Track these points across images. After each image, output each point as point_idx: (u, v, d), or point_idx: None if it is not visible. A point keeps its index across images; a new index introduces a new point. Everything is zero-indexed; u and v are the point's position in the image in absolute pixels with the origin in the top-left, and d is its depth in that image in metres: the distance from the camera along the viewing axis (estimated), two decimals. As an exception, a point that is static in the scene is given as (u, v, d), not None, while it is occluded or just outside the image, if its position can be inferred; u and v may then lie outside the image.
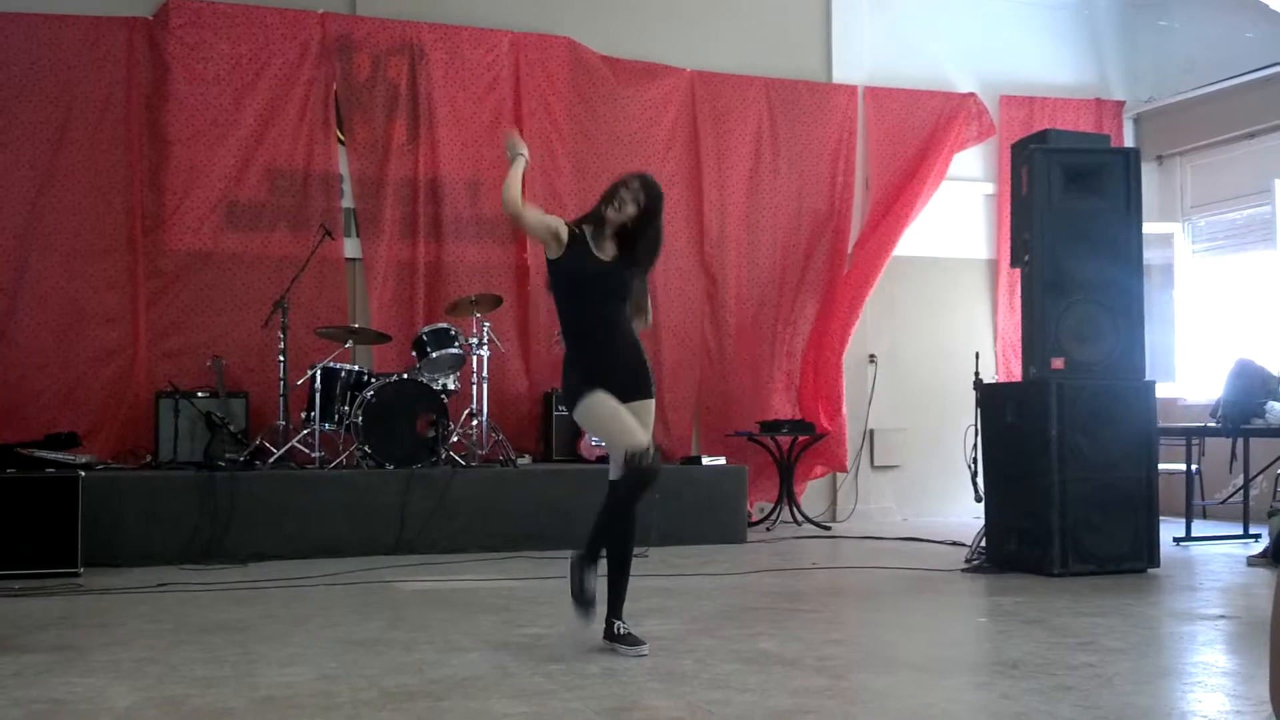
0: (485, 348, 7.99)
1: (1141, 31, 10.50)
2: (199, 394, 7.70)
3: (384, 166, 8.52)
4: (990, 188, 10.17)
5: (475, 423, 7.97)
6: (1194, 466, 8.13)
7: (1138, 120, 10.58)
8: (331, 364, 7.62)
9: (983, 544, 6.69)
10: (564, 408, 4.45)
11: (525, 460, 8.15)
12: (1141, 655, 4.32)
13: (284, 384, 7.70)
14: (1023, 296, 6.74)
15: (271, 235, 8.30)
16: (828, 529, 8.90)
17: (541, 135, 8.75)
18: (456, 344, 7.81)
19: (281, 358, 7.70)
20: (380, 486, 7.22)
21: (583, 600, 4.31)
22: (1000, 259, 9.88)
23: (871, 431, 9.74)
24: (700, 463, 8.20)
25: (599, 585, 4.34)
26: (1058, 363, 6.40)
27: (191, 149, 8.15)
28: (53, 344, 7.85)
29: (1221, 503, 8.34)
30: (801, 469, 9.21)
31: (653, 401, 4.42)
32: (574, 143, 8.96)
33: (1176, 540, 7.67)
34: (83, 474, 6.38)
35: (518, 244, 8.81)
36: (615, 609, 4.36)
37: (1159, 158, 10.29)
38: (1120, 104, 10.47)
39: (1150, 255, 7.21)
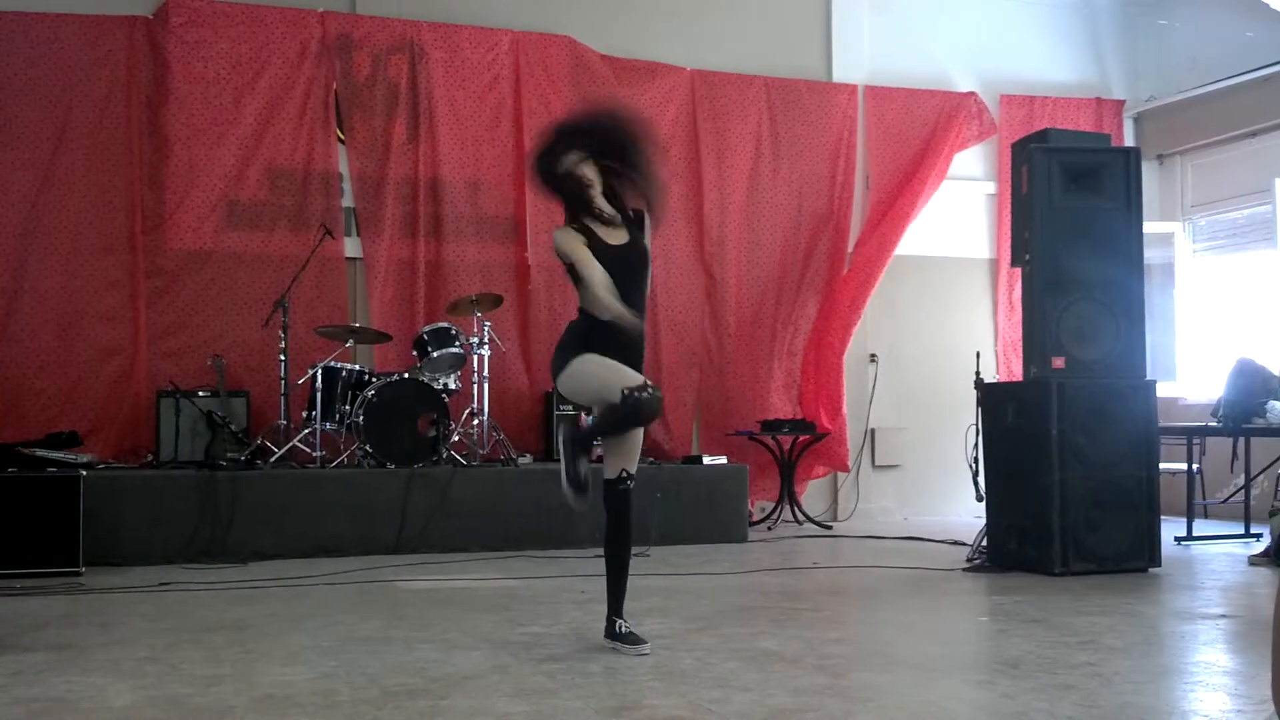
0: (486, 347, 7.99)
1: (1142, 30, 10.50)
2: (200, 393, 7.70)
3: (384, 165, 8.52)
4: (991, 187, 10.16)
5: (476, 422, 7.97)
6: (1195, 466, 8.12)
7: (1138, 119, 10.57)
8: (332, 363, 7.63)
9: (983, 543, 6.69)
10: (552, 375, 4.36)
11: (526, 459, 8.15)
12: (1142, 654, 4.32)
13: (285, 383, 7.70)
14: (1023, 296, 6.74)
15: (272, 234, 8.30)
16: (829, 528, 8.90)
17: (542, 134, 8.74)
18: (457, 343, 7.81)
19: (282, 357, 7.69)
20: (381, 486, 7.22)
21: (577, 485, 4.26)
22: (1001, 258, 9.87)
23: (872, 431, 9.74)
24: (701, 462, 8.20)
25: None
26: (1058, 362, 6.39)
27: (191, 148, 8.15)
28: (53, 343, 7.85)
29: (1222, 502, 8.34)
30: (802, 468, 9.21)
31: None
32: (574, 142, 8.94)
33: (1177, 539, 7.67)
34: (84, 473, 6.38)
35: (518, 243, 8.81)
36: (616, 608, 4.35)
37: (1159, 157, 10.29)
38: (1121, 103, 10.46)
39: (1151, 254, 7.20)
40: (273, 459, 7.46)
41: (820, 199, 9.60)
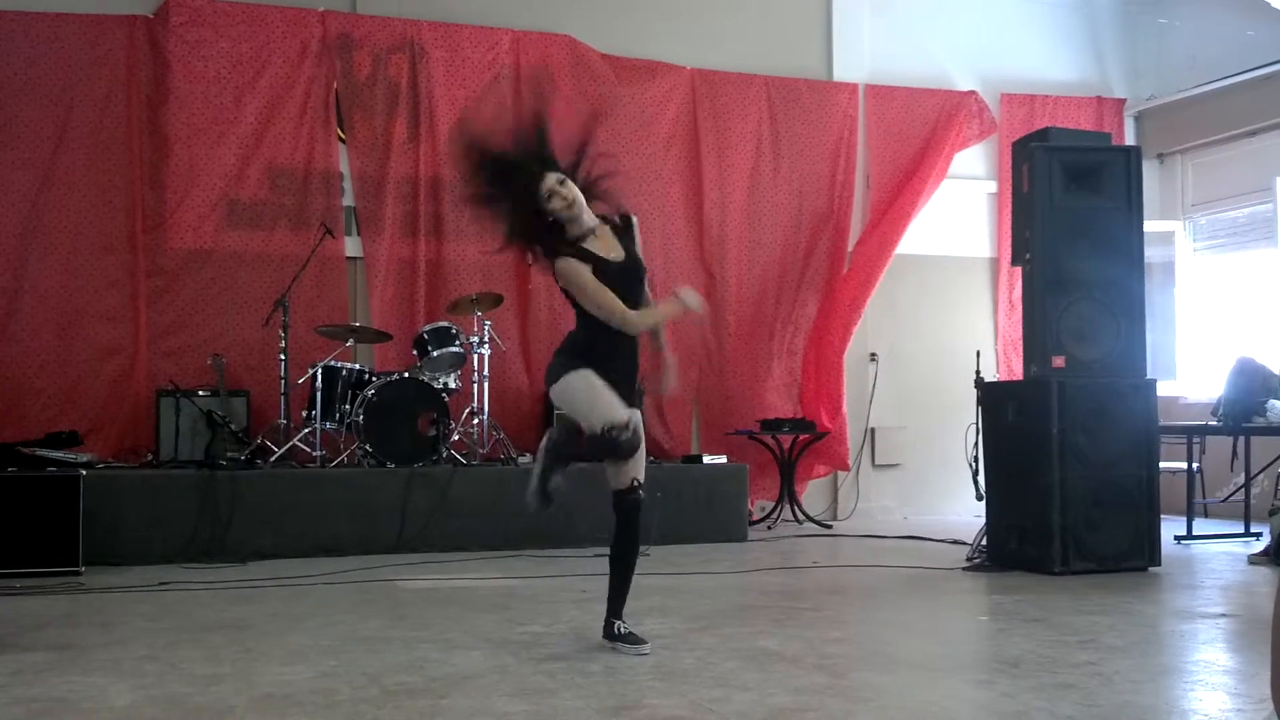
0: (486, 346, 7.99)
1: (1142, 29, 10.49)
2: (200, 392, 7.70)
3: (385, 165, 8.52)
4: (991, 186, 10.16)
5: (476, 421, 7.98)
6: (1195, 465, 8.12)
7: (1139, 118, 10.57)
8: (332, 362, 7.63)
9: (983, 542, 6.69)
10: (546, 382, 4.38)
11: (526, 459, 8.13)
12: (1142, 653, 4.32)
13: (285, 382, 7.70)
14: (1024, 295, 6.74)
15: (272, 234, 8.29)
16: (829, 527, 8.90)
17: (541, 134, 8.74)
18: (457, 342, 7.81)
19: (282, 356, 7.70)
20: (381, 485, 7.22)
21: (544, 497, 4.31)
22: (1001, 257, 9.86)
23: (872, 430, 9.74)
24: (701, 461, 8.20)
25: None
26: (1059, 361, 6.39)
27: (192, 147, 8.14)
28: (53, 343, 7.85)
29: (1222, 501, 8.33)
30: (802, 468, 9.20)
31: (639, 413, 4.36)
32: (574, 141, 8.94)
33: (1177, 539, 7.67)
34: (84, 473, 6.39)
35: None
36: (616, 610, 4.34)
37: (1160, 155, 10.28)
38: (1121, 102, 10.46)
39: (1151, 253, 7.19)
40: (273, 458, 7.46)
41: (820, 198, 9.60)
